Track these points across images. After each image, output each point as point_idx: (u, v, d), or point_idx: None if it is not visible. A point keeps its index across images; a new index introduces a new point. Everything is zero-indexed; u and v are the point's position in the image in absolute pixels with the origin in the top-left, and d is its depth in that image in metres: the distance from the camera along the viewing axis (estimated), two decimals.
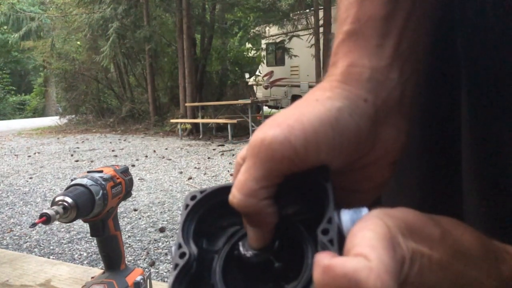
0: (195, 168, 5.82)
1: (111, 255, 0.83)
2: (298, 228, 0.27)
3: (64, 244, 3.13)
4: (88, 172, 0.79)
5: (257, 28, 13.80)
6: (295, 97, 11.83)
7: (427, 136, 0.45)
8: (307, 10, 11.72)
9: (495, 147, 0.38)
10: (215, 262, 0.28)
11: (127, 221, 3.59)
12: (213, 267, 0.28)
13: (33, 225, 0.66)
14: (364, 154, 0.29)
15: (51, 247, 3.09)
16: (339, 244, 0.22)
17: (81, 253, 2.97)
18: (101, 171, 0.80)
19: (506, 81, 0.37)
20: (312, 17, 10.83)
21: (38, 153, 7.99)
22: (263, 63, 14.94)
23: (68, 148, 8.41)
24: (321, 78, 0.32)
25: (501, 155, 0.38)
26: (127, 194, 0.85)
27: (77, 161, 6.82)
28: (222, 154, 6.92)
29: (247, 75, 14.36)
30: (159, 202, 4.14)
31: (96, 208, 0.75)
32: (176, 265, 0.26)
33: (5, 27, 19.30)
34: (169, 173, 5.57)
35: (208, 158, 6.62)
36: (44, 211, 0.66)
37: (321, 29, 9.88)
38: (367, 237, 0.21)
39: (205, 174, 5.41)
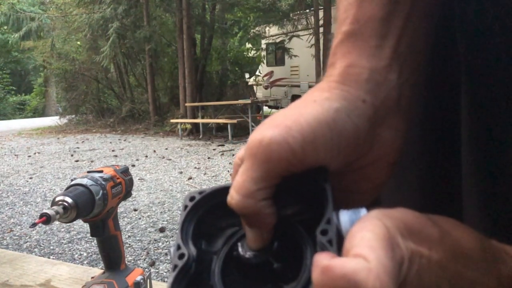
0: (195, 168, 5.82)
1: (111, 255, 0.83)
2: (297, 229, 0.27)
3: (64, 244, 3.14)
4: (88, 172, 0.79)
5: (257, 28, 13.80)
6: (295, 97, 11.79)
7: (427, 136, 0.45)
8: (307, 10, 11.72)
9: (495, 147, 0.38)
10: (214, 263, 0.28)
11: (127, 221, 3.59)
12: (212, 268, 0.28)
13: (33, 225, 0.66)
14: (362, 154, 0.29)
15: (51, 247, 3.09)
16: (338, 245, 0.22)
17: (81, 253, 2.97)
18: (101, 171, 0.80)
19: (506, 81, 0.37)
20: (312, 17, 10.84)
21: (38, 153, 7.99)
22: (263, 63, 14.95)
23: (68, 148, 8.41)
24: (321, 78, 0.32)
25: (501, 155, 0.38)
26: (127, 194, 0.85)
27: (77, 161, 6.82)
28: (222, 154, 6.92)
29: (247, 75, 14.37)
30: (159, 202, 4.14)
31: (96, 208, 0.75)
32: (175, 266, 0.26)
33: (5, 27, 19.32)
34: (169, 173, 5.57)
35: (208, 158, 6.62)
36: (44, 211, 0.66)
37: (321, 29, 9.89)
38: (366, 237, 0.21)
39: (205, 174, 5.41)
